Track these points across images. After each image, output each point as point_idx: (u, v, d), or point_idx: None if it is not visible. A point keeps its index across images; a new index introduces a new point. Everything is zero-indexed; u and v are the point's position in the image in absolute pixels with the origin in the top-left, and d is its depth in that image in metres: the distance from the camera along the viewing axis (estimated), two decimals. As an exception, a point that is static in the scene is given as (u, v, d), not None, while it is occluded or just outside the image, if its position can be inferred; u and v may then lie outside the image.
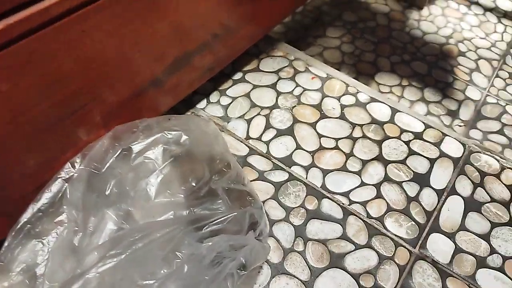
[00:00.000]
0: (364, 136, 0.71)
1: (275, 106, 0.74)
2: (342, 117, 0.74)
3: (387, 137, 0.71)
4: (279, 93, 0.76)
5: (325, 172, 0.66)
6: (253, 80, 0.78)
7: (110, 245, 0.44)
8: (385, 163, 0.67)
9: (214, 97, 0.75)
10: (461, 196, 0.64)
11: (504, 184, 0.66)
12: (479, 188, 0.65)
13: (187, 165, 0.54)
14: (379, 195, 0.63)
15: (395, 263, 0.57)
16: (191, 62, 0.63)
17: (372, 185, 0.65)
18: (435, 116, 0.82)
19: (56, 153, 0.50)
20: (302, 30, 0.98)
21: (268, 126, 0.71)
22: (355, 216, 0.61)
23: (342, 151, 0.69)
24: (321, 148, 0.69)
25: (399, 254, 0.57)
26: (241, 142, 0.69)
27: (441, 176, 0.66)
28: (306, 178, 0.65)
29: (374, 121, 0.73)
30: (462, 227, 0.61)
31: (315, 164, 0.67)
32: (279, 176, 0.65)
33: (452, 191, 0.65)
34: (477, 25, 1.04)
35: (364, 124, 0.73)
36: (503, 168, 0.68)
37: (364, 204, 0.62)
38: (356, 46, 0.95)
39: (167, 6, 0.52)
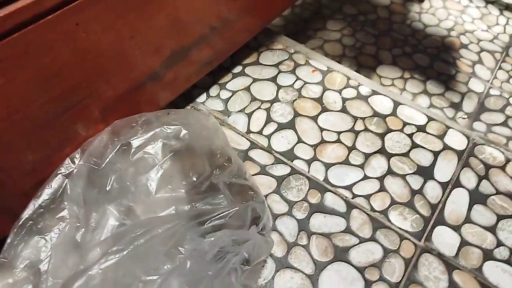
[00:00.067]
0: (366, 129, 0.70)
1: (276, 99, 0.73)
2: (344, 110, 0.73)
3: (390, 130, 0.70)
4: (279, 87, 0.75)
5: (328, 166, 0.65)
6: (253, 73, 0.77)
7: (112, 241, 0.43)
8: (388, 156, 0.66)
9: (214, 91, 0.74)
10: (466, 189, 0.63)
11: (509, 176, 0.65)
12: (484, 180, 0.64)
13: (187, 159, 0.53)
14: (382, 188, 0.62)
15: (400, 256, 0.56)
16: (189, 55, 0.62)
17: (376, 178, 0.64)
18: (438, 109, 0.82)
19: (55, 149, 0.49)
20: (301, 23, 0.97)
21: (269, 119, 0.70)
22: (358, 210, 0.60)
23: (344, 144, 0.68)
24: (323, 141, 0.68)
25: (404, 247, 0.57)
26: (242, 136, 0.68)
27: (445, 169, 0.66)
28: (309, 171, 0.64)
29: (376, 114, 0.72)
30: (468, 220, 0.60)
31: (317, 158, 0.66)
32: (281, 170, 0.64)
33: (457, 183, 0.64)
34: (479, 18, 1.03)
35: (366, 117, 0.72)
36: (508, 160, 0.67)
37: (367, 197, 0.61)
38: (357, 39, 0.94)
39: (164, -2, 0.52)
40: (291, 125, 0.70)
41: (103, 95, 0.52)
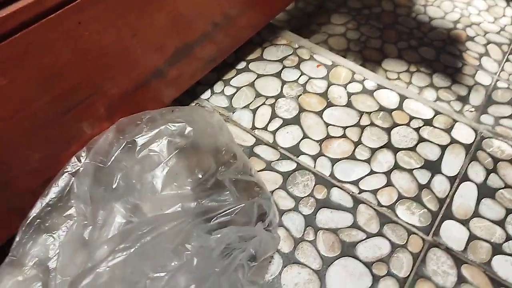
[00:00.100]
0: (372, 124, 0.69)
1: (280, 95, 0.73)
2: (349, 105, 0.72)
3: (396, 125, 0.70)
4: (284, 82, 0.75)
5: (334, 161, 0.64)
6: (257, 69, 0.77)
7: (119, 239, 0.43)
8: (395, 150, 0.66)
9: (218, 87, 0.74)
10: (474, 183, 0.63)
11: (517, 169, 0.64)
12: (492, 174, 0.64)
13: (192, 157, 0.53)
14: (389, 183, 0.62)
15: (408, 251, 0.55)
16: (192, 52, 0.62)
17: (382, 173, 0.63)
18: (445, 102, 0.81)
19: (61, 147, 0.50)
20: (305, 18, 0.97)
21: (273, 115, 0.70)
22: (365, 205, 0.60)
23: (350, 139, 0.67)
24: (329, 136, 0.68)
25: (412, 242, 0.56)
26: (247, 132, 0.68)
27: (452, 163, 0.65)
28: (314, 167, 0.64)
29: (382, 108, 0.72)
30: (476, 214, 0.60)
31: (323, 153, 0.65)
32: (287, 165, 0.64)
33: (465, 177, 0.63)
34: (485, 9, 1.02)
35: (372, 112, 0.71)
36: (516, 153, 0.66)
37: (374, 192, 0.61)
38: (362, 32, 0.93)
39: (165, -5, 0.51)
40: (296, 120, 0.69)
41: (107, 93, 0.52)
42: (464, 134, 0.69)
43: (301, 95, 0.73)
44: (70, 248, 0.44)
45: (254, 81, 0.75)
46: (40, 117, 0.44)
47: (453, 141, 0.68)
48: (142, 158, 0.51)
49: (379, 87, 0.75)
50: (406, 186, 0.62)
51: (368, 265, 0.54)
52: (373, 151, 0.66)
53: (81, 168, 0.49)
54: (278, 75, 0.76)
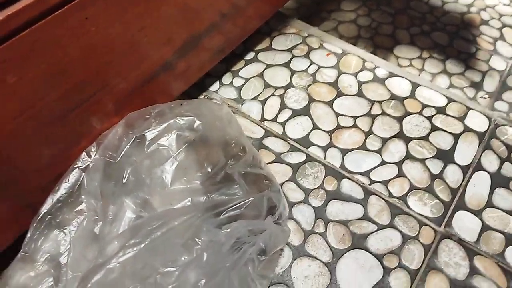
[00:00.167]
0: (384, 113, 0.68)
1: (290, 85, 0.72)
2: (360, 94, 0.71)
3: (408, 113, 0.68)
4: (293, 72, 0.74)
5: (344, 152, 0.64)
6: (265, 59, 0.76)
7: (130, 234, 0.43)
8: (407, 140, 0.65)
9: (226, 78, 0.74)
10: (488, 172, 0.62)
11: (533, 158, 0.63)
12: (506, 163, 0.62)
13: (201, 150, 0.53)
14: (401, 174, 0.61)
15: (420, 242, 0.55)
16: (201, 44, 0.62)
17: (394, 163, 0.62)
18: (458, 89, 0.79)
19: (71, 143, 0.50)
20: (314, 5, 0.95)
21: (283, 106, 0.69)
22: (376, 196, 0.59)
23: (360, 129, 0.66)
24: (339, 127, 0.67)
25: (424, 233, 0.56)
26: (256, 124, 0.67)
27: (466, 152, 0.64)
28: (325, 158, 0.63)
29: (393, 97, 0.71)
30: (489, 204, 0.59)
31: (333, 144, 0.65)
32: (297, 157, 0.63)
33: (478, 166, 0.62)
34: (500, -10, 0.98)
35: (383, 101, 0.70)
36: (531, 141, 0.65)
37: (385, 183, 0.60)
38: (373, 18, 0.91)
39: (172, -13, 0.51)
40: (306, 111, 0.69)
41: (116, 88, 0.52)
42: (477, 122, 0.68)
43: (310, 85, 0.72)
44: (81, 243, 0.45)
45: (263, 71, 0.74)
46: (49, 113, 0.45)
47: (467, 129, 0.67)
48: (152, 152, 0.51)
49: (391, 75, 0.74)
50: (418, 177, 0.61)
51: (379, 257, 0.54)
52: (385, 141, 0.65)
53: (91, 164, 0.49)
54: (287, 65, 0.75)
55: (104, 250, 0.42)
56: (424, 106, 0.69)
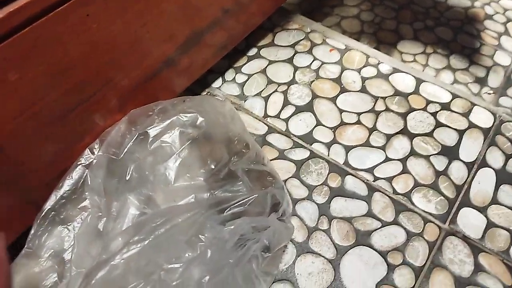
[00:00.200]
0: (388, 109, 0.68)
1: (293, 81, 0.72)
2: (363, 90, 0.71)
3: (412, 109, 0.68)
4: (296, 68, 0.74)
5: (348, 149, 0.63)
6: (268, 55, 0.76)
7: (133, 231, 0.43)
8: (411, 136, 0.65)
9: (229, 75, 0.73)
10: (493, 168, 0.61)
11: (538, 154, 0.62)
12: (511, 159, 0.62)
13: (204, 147, 0.52)
14: (405, 170, 0.61)
15: (424, 239, 0.55)
16: (203, 40, 0.61)
17: (398, 160, 0.62)
18: (463, 85, 0.78)
19: (74, 140, 0.50)
20: (317, 0, 0.94)
21: (286, 102, 0.69)
22: (380, 193, 0.59)
23: (364, 125, 0.66)
24: (342, 123, 0.66)
25: (428, 230, 0.55)
26: (259, 120, 0.67)
27: (470, 148, 0.63)
28: (328, 155, 0.63)
29: (397, 93, 0.70)
30: (494, 201, 0.58)
31: (337, 141, 0.64)
32: (300, 154, 0.63)
33: (483, 163, 0.62)
34: (505, -15, 0.97)
35: (387, 97, 0.70)
36: (537, 137, 0.64)
37: (389, 180, 0.60)
38: (376, 13, 0.91)
39: (174, -17, 0.50)
40: (309, 107, 0.68)
41: (119, 84, 0.51)
42: (482, 118, 0.67)
43: (314, 81, 0.72)
44: (85, 239, 0.45)
45: (266, 67, 0.74)
46: (52, 111, 0.44)
47: (471, 125, 0.66)
48: (155, 149, 0.51)
49: (395, 70, 0.73)
50: (422, 173, 0.61)
51: (383, 254, 0.54)
52: (389, 137, 0.65)
53: (95, 161, 0.49)
54: (290, 61, 0.75)
55: (108, 246, 0.42)
56: (428, 102, 0.69)
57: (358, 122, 0.66)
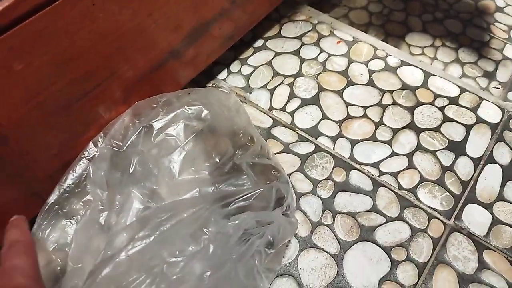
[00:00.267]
0: (395, 103, 0.67)
1: (299, 74, 0.71)
2: (371, 83, 0.70)
3: (420, 103, 0.67)
4: (302, 60, 0.73)
5: (353, 143, 0.63)
6: (274, 47, 0.75)
7: (138, 226, 0.43)
8: (418, 131, 0.64)
9: (235, 66, 0.72)
10: (499, 165, 0.61)
11: (547, 151, 0.62)
12: (519, 155, 0.61)
13: (209, 140, 0.52)
14: (411, 165, 0.60)
15: (429, 235, 0.54)
16: (209, 30, 0.60)
17: (404, 154, 0.61)
18: (471, 79, 0.77)
19: (78, 132, 0.50)
20: (325, -9, 0.93)
21: (292, 95, 0.68)
22: (385, 188, 0.58)
23: (371, 119, 0.65)
24: (349, 117, 0.66)
25: (433, 227, 0.55)
26: (265, 113, 0.67)
27: (478, 144, 0.63)
28: (333, 149, 0.62)
29: (405, 86, 0.69)
30: (500, 197, 0.58)
31: (343, 134, 0.64)
32: (305, 147, 0.62)
33: (490, 159, 0.61)
34: (517, -24, 0.95)
35: (395, 90, 0.69)
36: (546, 133, 0.63)
37: (395, 175, 0.60)
38: (385, 5, 0.89)
39: (181, -28, 0.49)
40: (315, 100, 0.68)
41: (124, 76, 0.51)
42: (490, 113, 0.66)
43: (320, 73, 0.71)
44: (84, 234, 0.44)
45: (272, 59, 0.73)
46: (56, 101, 0.44)
47: (479, 120, 0.65)
48: (159, 142, 0.51)
49: (403, 63, 0.72)
50: (428, 168, 0.60)
51: (387, 249, 0.53)
52: (395, 131, 0.64)
53: (97, 153, 0.49)
54: (296, 52, 0.74)
55: (112, 242, 0.42)
56: (436, 96, 0.68)
57: (365, 116, 0.66)
